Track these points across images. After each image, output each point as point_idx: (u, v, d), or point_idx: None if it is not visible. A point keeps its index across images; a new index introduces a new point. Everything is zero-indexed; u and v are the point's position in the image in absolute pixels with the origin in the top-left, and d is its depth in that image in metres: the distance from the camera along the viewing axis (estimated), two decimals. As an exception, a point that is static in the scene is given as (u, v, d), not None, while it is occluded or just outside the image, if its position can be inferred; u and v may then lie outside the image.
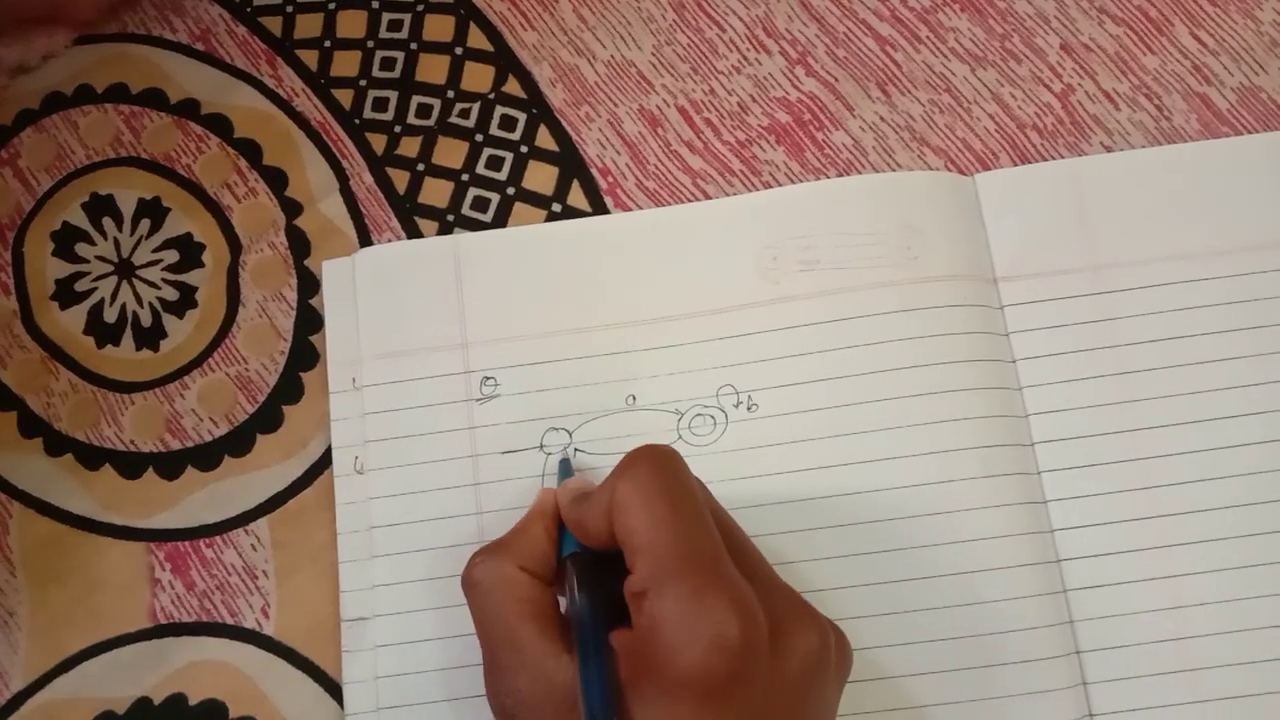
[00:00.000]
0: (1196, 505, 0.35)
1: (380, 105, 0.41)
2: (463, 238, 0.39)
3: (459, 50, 0.42)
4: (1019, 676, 0.34)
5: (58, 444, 0.38)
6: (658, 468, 0.29)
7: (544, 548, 0.31)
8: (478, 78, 0.41)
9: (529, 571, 0.30)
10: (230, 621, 0.36)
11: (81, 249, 0.40)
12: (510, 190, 0.40)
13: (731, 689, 0.26)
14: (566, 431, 0.36)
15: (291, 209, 0.40)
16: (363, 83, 0.41)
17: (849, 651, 0.30)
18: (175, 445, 0.38)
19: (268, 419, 0.38)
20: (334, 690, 0.35)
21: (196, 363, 0.39)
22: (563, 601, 0.31)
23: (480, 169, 0.40)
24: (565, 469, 0.36)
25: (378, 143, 0.41)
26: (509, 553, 0.31)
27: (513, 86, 0.41)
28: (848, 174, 0.39)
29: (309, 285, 0.39)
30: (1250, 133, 0.39)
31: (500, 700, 0.29)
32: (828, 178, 0.39)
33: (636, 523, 0.28)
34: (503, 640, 0.29)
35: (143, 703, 0.35)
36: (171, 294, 0.39)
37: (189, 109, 0.41)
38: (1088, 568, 0.35)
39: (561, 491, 0.32)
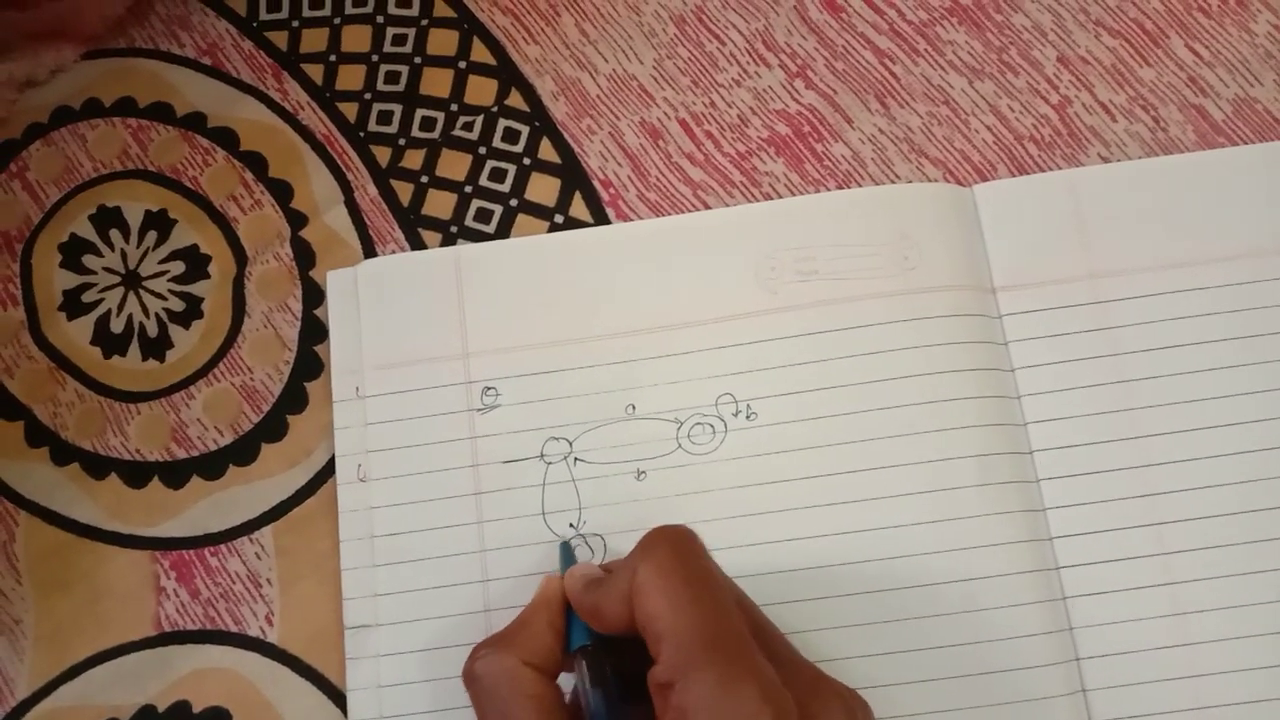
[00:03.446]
0: (1195, 513, 0.35)
1: (385, 118, 0.41)
2: (464, 249, 0.39)
3: (462, 64, 0.42)
4: (1018, 683, 0.34)
5: (64, 453, 0.38)
6: (677, 550, 0.29)
7: (548, 642, 0.31)
8: (481, 91, 0.42)
9: (534, 666, 0.30)
10: (234, 629, 0.36)
11: (89, 260, 0.40)
12: (513, 202, 0.40)
13: None
14: (567, 441, 0.37)
15: (297, 221, 0.40)
16: (367, 96, 0.42)
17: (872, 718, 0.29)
18: (181, 454, 0.38)
19: (272, 428, 0.38)
20: (337, 698, 0.36)
21: (202, 373, 0.39)
22: (567, 683, 0.31)
23: (483, 181, 0.41)
24: (568, 554, 0.35)
25: (382, 155, 0.41)
26: (513, 647, 0.30)
27: (516, 100, 0.41)
28: (847, 185, 0.40)
29: (313, 296, 0.40)
30: (1246, 143, 0.39)
31: None
32: (827, 189, 0.40)
33: (658, 608, 0.27)
34: None
35: (147, 710, 0.36)
36: (178, 305, 0.40)
37: (196, 122, 0.42)
38: (1086, 575, 0.35)
39: (570, 579, 0.32)
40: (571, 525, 0.36)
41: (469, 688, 0.30)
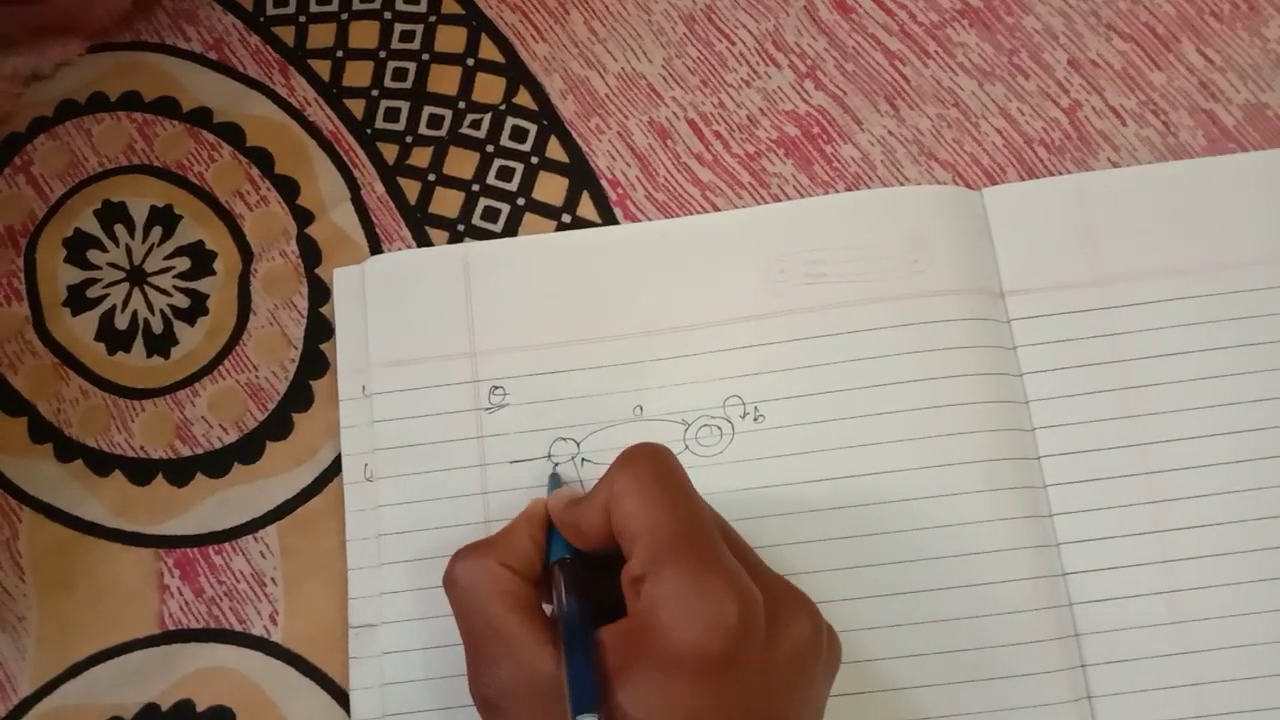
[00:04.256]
0: (1201, 520, 0.35)
1: (392, 115, 0.41)
2: (472, 247, 0.39)
3: (470, 61, 0.42)
4: (1024, 689, 0.34)
5: (68, 450, 0.38)
6: (653, 461, 0.30)
7: (528, 550, 0.31)
8: (489, 89, 0.41)
9: (511, 569, 0.31)
10: (238, 628, 0.36)
11: (94, 256, 0.40)
12: (520, 201, 0.40)
13: (726, 669, 0.27)
14: (574, 441, 0.37)
15: (303, 218, 0.40)
16: (374, 93, 0.41)
17: (839, 646, 0.30)
18: (185, 452, 0.38)
19: (278, 426, 0.38)
20: (341, 697, 0.35)
21: (207, 370, 0.39)
22: (547, 608, 0.31)
23: (491, 179, 0.40)
24: (555, 483, 0.36)
25: (389, 152, 0.41)
26: (492, 550, 0.31)
27: (524, 98, 0.41)
28: (856, 187, 0.40)
29: (319, 294, 0.39)
30: (1256, 149, 0.39)
31: (483, 690, 0.30)
32: (836, 191, 0.40)
33: (634, 508, 0.29)
34: (485, 631, 0.30)
35: (150, 709, 0.36)
36: (183, 301, 0.40)
37: (202, 117, 0.41)
38: (1093, 581, 0.35)
39: (553, 499, 0.33)
40: (556, 474, 0.36)
41: (448, 589, 0.31)
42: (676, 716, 0.26)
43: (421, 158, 0.41)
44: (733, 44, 0.42)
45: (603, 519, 0.30)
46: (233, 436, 0.38)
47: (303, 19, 0.43)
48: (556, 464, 0.36)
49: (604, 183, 0.40)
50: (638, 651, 0.27)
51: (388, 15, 0.42)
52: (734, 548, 0.29)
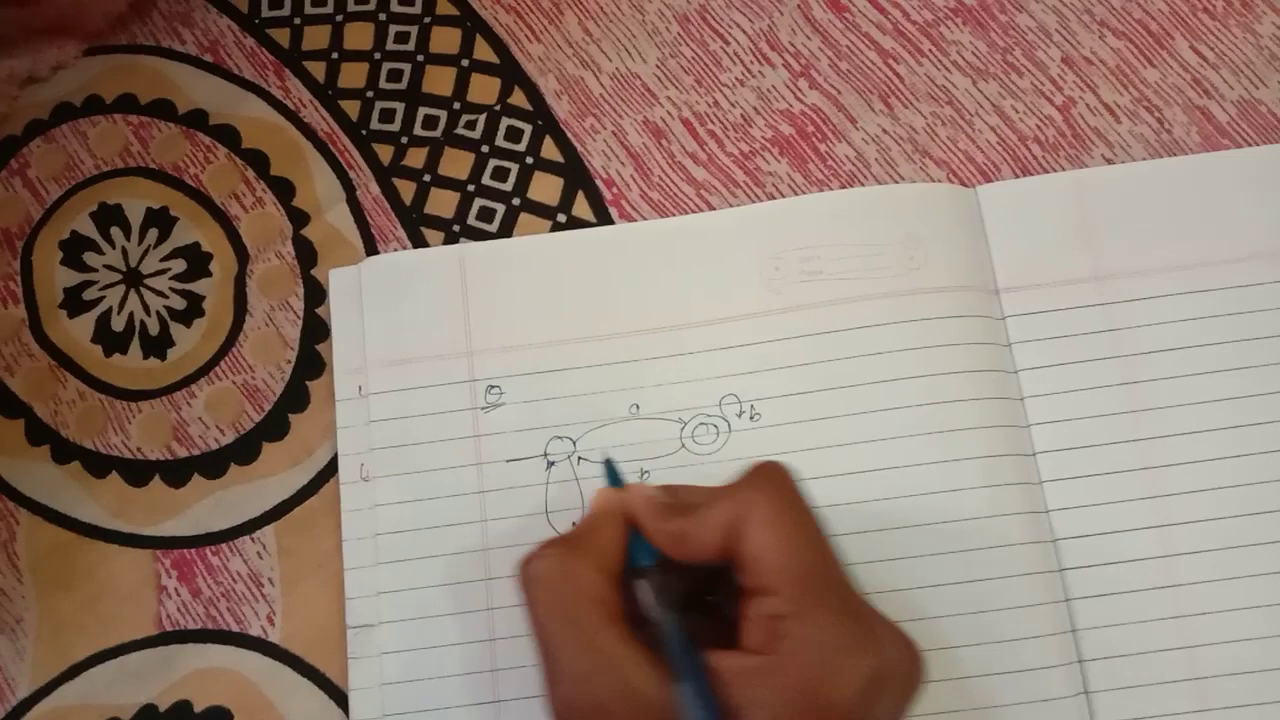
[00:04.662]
0: (1199, 514, 0.35)
1: (387, 116, 0.41)
2: (468, 247, 0.39)
3: (465, 62, 0.42)
4: (1022, 685, 0.34)
5: (65, 452, 0.38)
6: (787, 487, 0.29)
7: (614, 551, 0.29)
8: (484, 89, 0.41)
9: (604, 572, 0.29)
10: (236, 629, 0.36)
11: (90, 258, 0.40)
12: (516, 201, 0.40)
13: (865, 714, 0.26)
14: (570, 440, 0.37)
15: (298, 219, 0.40)
16: (370, 94, 0.42)
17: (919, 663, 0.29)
18: (182, 453, 0.38)
19: (274, 427, 0.38)
20: (340, 697, 0.36)
21: (203, 371, 0.39)
22: None
23: (486, 180, 0.40)
24: (612, 470, 0.33)
25: (384, 153, 0.41)
26: (579, 550, 0.29)
27: (518, 98, 0.41)
28: (851, 186, 0.40)
29: (315, 294, 0.39)
30: (1250, 145, 0.39)
31: (571, 705, 0.27)
32: (831, 190, 0.40)
33: (773, 540, 0.28)
34: (576, 643, 0.27)
35: (148, 710, 0.36)
36: (179, 303, 0.40)
37: (197, 119, 0.41)
38: (1091, 576, 0.35)
39: (642, 504, 0.30)
40: (610, 459, 0.35)
41: (527, 588, 0.29)
42: None
43: (417, 158, 0.41)
44: (727, 43, 0.42)
45: (719, 538, 0.28)
46: (229, 437, 0.38)
47: (298, 21, 0.43)
48: (609, 457, 0.34)
49: (599, 182, 0.40)
50: (773, 692, 0.26)
51: (382, 17, 0.42)
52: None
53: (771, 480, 0.29)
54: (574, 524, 0.31)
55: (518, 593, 0.29)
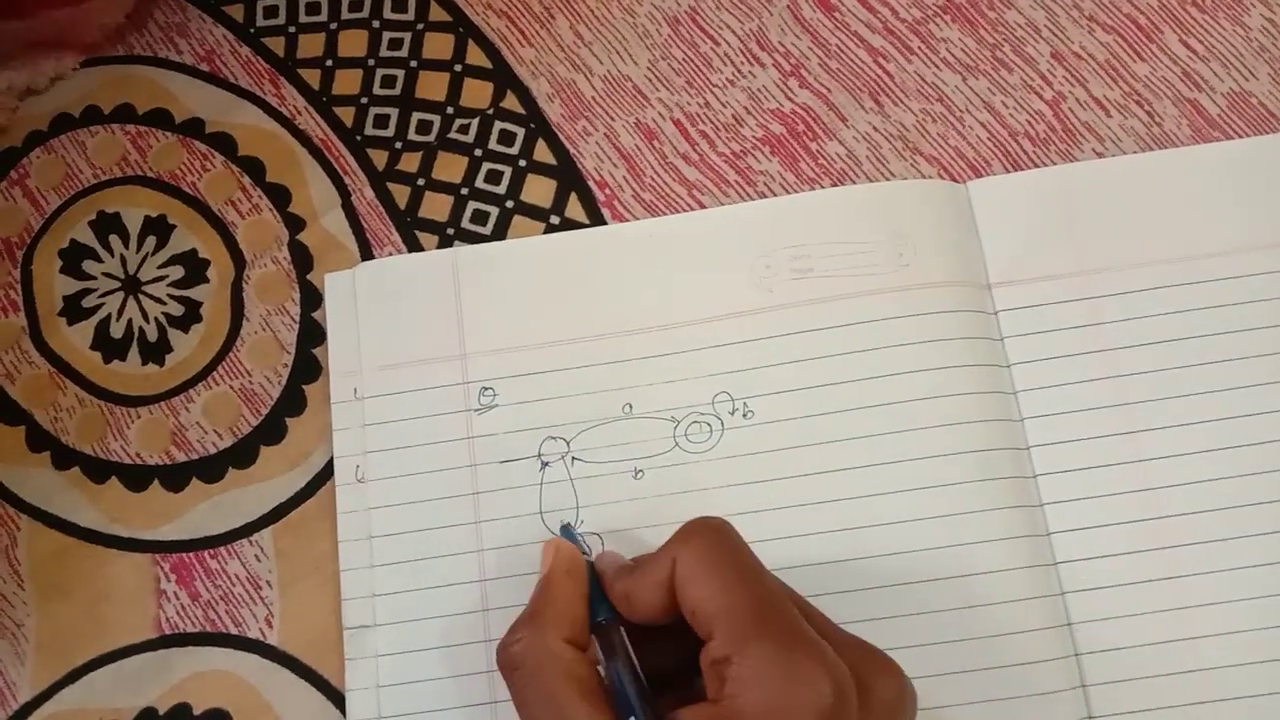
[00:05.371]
0: (1193, 507, 0.35)
1: (381, 122, 0.42)
2: (461, 250, 0.39)
3: (458, 67, 0.42)
4: (1018, 679, 0.34)
5: (65, 458, 0.38)
6: (716, 536, 0.29)
7: (580, 614, 0.31)
8: (476, 94, 0.42)
9: (572, 644, 0.30)
10: (234, 632, 0.37)
11: (89, 266, 0.41)
12: (509, 204, 0.40)
13: None
14: (564, 440, 0.37)
15: (294, 225, 0.41)
16: (364, 100, 0.42)
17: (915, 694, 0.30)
18: (180, 458, 0.38)
19: (271, 431, 0.38)
20: (337, 699, 0.36)
21: (201, 376, 0.39)
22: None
23: (479, 183, 0.41)
24: (569, 534, 0.35)
25: (379, 159, 0.41)
26: (547, 623, 0.30)
27: (511, 102, 0.42)
28: (842, 184, 0.40)
29: (311, 299, 0.40)
30: (1241, 137, 0.39)
31: None
32: (822, 188, 0.40)
33: (707, 590, 0.28)
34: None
35: (148, 713, 0.36)
36: (177, 309, 0.40)
37: (194, 128, 0.42)
38: (1085, 570, 0.35)
39: (601, 562, 0.32)
40: (567, 524, 0.36)
41: (508, 674, 0.30)
42: None
43: (411, 163, 0.41)
44: (717, 44, 0.42)
45: (659, 595, 0.29)
46: (227, 441, 0.38)
47: (292, 29, 0.43)
48: (565, 522, 0.36)
49: (591, 184, 0.40)
50: None
51: (376, 24, 0.43)
52: (808, 617, 0.29)
53: (698, 531, 0.29)
54: (535, 585, 0.32)
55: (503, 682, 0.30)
